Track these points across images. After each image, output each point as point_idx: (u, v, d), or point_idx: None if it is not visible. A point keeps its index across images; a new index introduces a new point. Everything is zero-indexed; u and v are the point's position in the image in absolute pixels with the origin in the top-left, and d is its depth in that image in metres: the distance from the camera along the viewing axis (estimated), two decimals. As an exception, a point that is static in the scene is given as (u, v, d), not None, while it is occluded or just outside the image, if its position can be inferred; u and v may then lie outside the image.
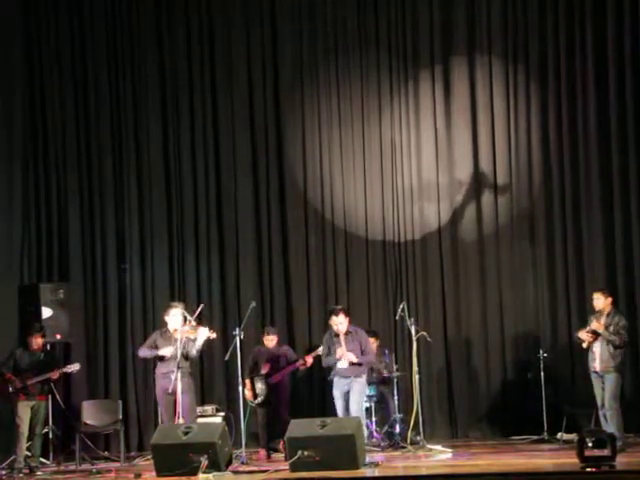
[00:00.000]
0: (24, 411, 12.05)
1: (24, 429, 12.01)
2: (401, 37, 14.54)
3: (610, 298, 11.91)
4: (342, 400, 11.81)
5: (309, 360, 12.57)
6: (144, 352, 12.15)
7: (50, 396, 12.75)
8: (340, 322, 11.90)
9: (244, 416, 11.89)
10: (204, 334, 11.78)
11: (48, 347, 12.81)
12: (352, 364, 11.75)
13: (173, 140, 14.76)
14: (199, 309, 11.97)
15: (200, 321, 12.00)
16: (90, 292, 14.46)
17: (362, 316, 14.20)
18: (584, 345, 11.83)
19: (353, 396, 11.73)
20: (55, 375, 12.28)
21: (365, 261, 14.51)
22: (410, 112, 14.50)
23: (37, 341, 12.31)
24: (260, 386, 12.65)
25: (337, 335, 11.91)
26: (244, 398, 12.23)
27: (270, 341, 12.91)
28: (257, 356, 12.86)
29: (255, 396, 12.62)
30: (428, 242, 14.41)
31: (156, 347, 11.93)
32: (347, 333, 11.90)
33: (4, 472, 11.86)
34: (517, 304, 14.06)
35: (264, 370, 12.73)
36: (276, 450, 12.59)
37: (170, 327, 11.86)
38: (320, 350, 12.28)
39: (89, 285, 14.47)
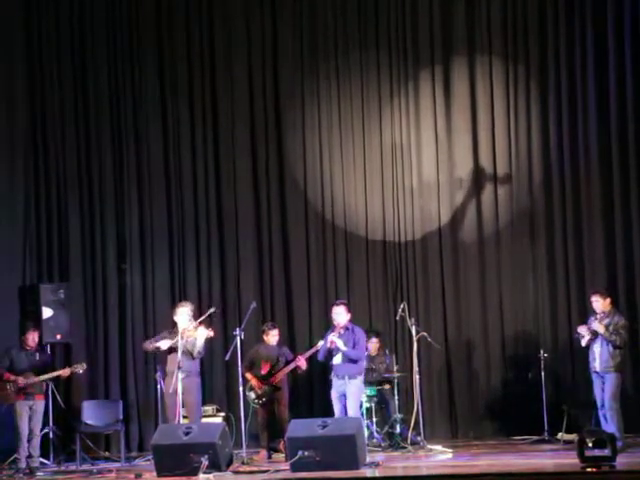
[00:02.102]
0: (24, 411, 12.05)
1: (24, 429, 12.01)
2: (401, 37, 14.54)
3: (609, 298, 11.88)
4: (339, 402, 11.75)
5: (303, 362, 12.55)
6: (146, 345, 12.29)
7: (51, 396, 12.79)
8: (338, 312, 11.88)
9: (245, 416, 11.89)
10: (203, 334, 11.82)
11: (43, 347, 12.74)
12: (347, 361, 11.69)
13: (173, 141, 14.75)
14: (209, 312, 12.01)
15: (211, 322, 12.01)
16: (90, 292, 14.45)
17: (362, 316, 14.19)
18: (583, 343, 11.81)
19: (349, 402, 11.65)
20: (67, 372, 12.31)
21: (365, 261, 14.51)
22: (410, 112, 14.49)
23: (34, 337, 12.27)
24: (263, 387, 12.64)
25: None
26: (245, 398, 12.22)
27: (273, 337, 12.91)
28: (255, 355, 12.86)
29: (262, 384, 12.60)
30: (428, 242, 14.41)
31: None
32: (345, 328, 11.87)
33: (5, 472, 11.86)
34: (517, 304, 14.06)
35: (264, 371, 12.73)
36: (276, 450, 12.59)
37: (179, 327, 11.90)
38: (313, 349, 12.32)
39: (89, 285, 14.45)
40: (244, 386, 12.27)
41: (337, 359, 11.79)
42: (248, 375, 12.66)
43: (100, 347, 14.34)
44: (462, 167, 14.34)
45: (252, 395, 12.64)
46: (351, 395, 11.69)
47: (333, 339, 11.73)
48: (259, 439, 12.78)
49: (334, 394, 11.85)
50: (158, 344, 11.96)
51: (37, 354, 12.33)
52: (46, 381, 12.26)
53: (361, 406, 12.73)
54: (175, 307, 12.29)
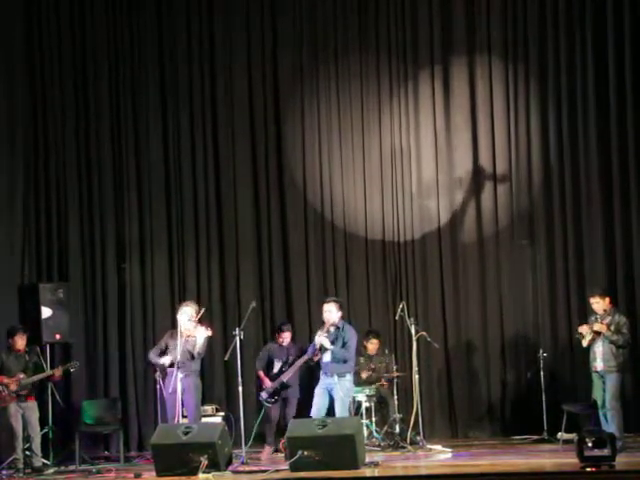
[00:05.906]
0: (17, 412, 12.02)
1: (19, 429, 11.98)
2: (401, 37, 14.54)
3: (608, 298, 11.86)
4: (321, 398, 11.50)
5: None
6: (153, 357, 12.24)
7: (50, 395, 12.78)
8: (328, 310, 11.78)
9: (247, 415, 11.88)
10: (202, 334, 11.84)
11: (31, 348, 12.67)
12: (336, 360, 11.56)
13: (173, 141, 14.75)
14: (200, 312, 12.00)
15: (211, 321, 12.02)
16: (90, 292, 14.44)
17: (362, 316, 14.22)
18: (584, 343, 11.78)
19: (337, 406, 11.45)
20: (59, 372, 12.29)
21: (365, 261, 14.51)
22: (410, 112, 14.49)
23: (22, 341, 12.23)
24: (273, 385, 12.64)
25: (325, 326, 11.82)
26: (242, 395, 12.16)
27: (286, 338, 12.98)
28: (268, 354, 12.94)
29: (273, 383, 12.63)
30: (428, 242, 14.41)
31: (166, 348, 11.99)
32: (336, 327, 11.81)
33: (5, 472, 11.85)
34: (517, 304, 14.05)
35: (277, 369, 12.76)
36: (277, 450, 12.58)
37: (179, 326, 11.91)
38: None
39: (89, 285, 14.44)
40: (256, 385, 12.30)
41: (326, 357, 11.66)
42: (261, 374, 12.71)
43: (99, 347, 14.32)
44: (462, 167, 14.34)
45: (264, 395, 12.65)
46: (339, 399, 11.45)
47: (319, 340, 11.64)
48: (265, 436, 12.73)
49: (319, 390, 11.60)
50: (161, 361, 11.93)
51: (26, 356, 12.25)
52: (38, 382, 12.23)
53: (360, 406, 12.74)
54: (179, 306, 12.29)
